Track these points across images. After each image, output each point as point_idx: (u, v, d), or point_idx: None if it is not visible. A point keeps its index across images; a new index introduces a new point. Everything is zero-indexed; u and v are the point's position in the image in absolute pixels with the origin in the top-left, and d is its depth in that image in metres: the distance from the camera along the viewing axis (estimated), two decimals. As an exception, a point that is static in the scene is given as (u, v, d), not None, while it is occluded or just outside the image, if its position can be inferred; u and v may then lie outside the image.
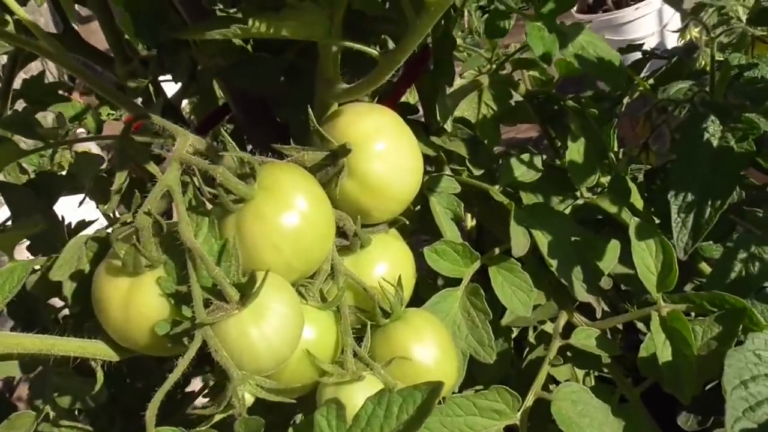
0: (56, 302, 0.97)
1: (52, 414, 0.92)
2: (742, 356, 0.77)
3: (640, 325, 1.12)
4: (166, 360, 1.05)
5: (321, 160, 0.75)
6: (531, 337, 1.08)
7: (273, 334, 0.63)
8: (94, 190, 0.91)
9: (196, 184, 0.69)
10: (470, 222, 1.30)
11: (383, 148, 0.76)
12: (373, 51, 0.70)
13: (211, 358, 0.66)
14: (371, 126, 0.76)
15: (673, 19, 3.92)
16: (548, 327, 1.06)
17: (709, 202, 0.93)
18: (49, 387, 0.92)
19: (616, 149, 1.42)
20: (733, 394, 0.74)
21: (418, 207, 1.03)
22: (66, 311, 0.98)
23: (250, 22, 0.64)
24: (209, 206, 0.71)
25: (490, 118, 1.25)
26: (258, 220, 0.67)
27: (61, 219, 0.95)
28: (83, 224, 1.07)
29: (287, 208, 0.68)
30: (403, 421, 0.52)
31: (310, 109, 0.74)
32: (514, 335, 1.09)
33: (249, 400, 0.63)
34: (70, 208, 1.07)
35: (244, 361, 0.63)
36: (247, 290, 0.62)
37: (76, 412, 1.03)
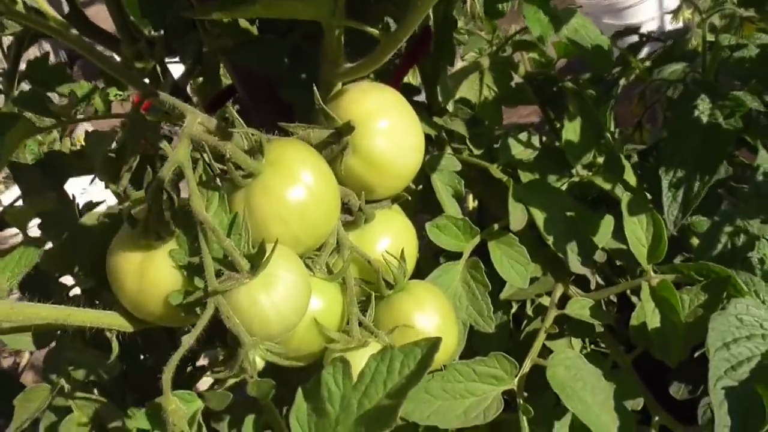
0: (67, 280, 1.01)
1: (66, 387, 0.95)
2: (725, 320, 0.80)
3: (636, 300, 1.16)
4: (173, 337, 1.09)
5: (326, 137, 0.77)
6: (528, 310, 1.11)
7: (282, 301, 0.66)
8: (103, 169, 0.93)
9: (206, 160, 0.71)
10: (472, 203, 1.33)
11: (386, 126, 0.79)
12: (375, 30, 0.73)
13: (220, 334, 0.69)
14: (374, 104, 0.79)
15: (673, 4, 3.93)
16: (545, 301, 1.09)
17: (698, 177, 0.96)
18: (64, 361, 0.95)
19: (612, 130, 1.45)
20: (716, 355, 0.78)
21: (420, 186, 1.06)
22: (76, 290, 1.01)
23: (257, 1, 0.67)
24: (219, 183, 0.74)
25: (492, 100, 1.28)
26: (266, 193, 0.71)
27: (72, 198, 0.98)
28: (91, 205, 1.10)
29: (294, 182, 0.71)
30: (405, 375, 0.56)
31: (315, 88, 0.77)
32: (513, 311, 1.13)
33: (259, 364, 0.67)
34: (76, 191, 1.10)
35: (255, 328, 0.66)
36: (256, 260, 0.66)
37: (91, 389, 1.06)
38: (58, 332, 0.96)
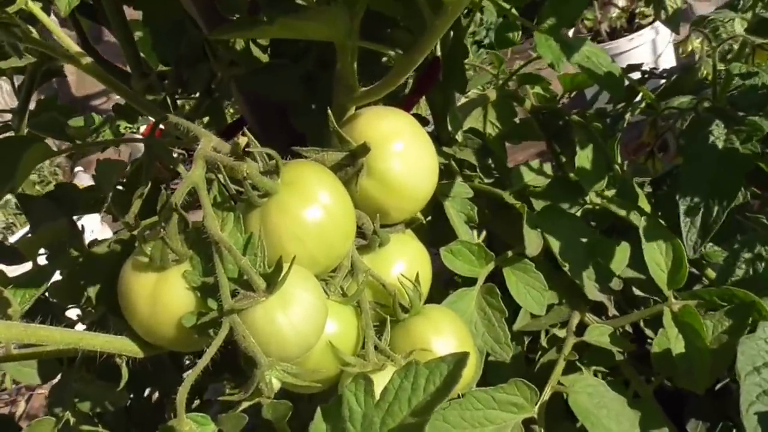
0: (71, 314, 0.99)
1: (72, 420, 0.93)
2: (754, 344, 0.79)
3: (650, 333, 1.14)
4: (179, 369, 1.07)
5: (341, 160, 0.77)
6: (543, 341, 1.09)
7: (300, 320, 0.65)
8: (114, 199, 0.93)
9: (221, 180, 0.70)
10: (477, 238, 1.32)
11: (401, 148, 0.78)
12: (391, 51, 0.72)
13: (229, 365, 0.67)
14: (389, 127, 0.79)
15: (667, 50, 3.97)
16: (560, 332, 1.07)
17: (717, 202, 0.95)
18: (69, 393, 0.93)
19: (620, 162, 1.45)
20: (747, 380, 0.76)
21: (430, 218, 1.05)
22: (80, 326, 0.99)
23: (274, 22, 0.67)
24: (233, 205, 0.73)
25: (496, 137, 1.28)
26: (282, 213, 0.69)
27: (81, 228, 0.97)
28: (96, 242, 1.09)
29: (311, 202, 0.70)
30: (430, 392, 0.54)
31: (329, 111, 0.76)
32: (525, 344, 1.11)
33: (276, 386, 0.65)
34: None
35: (272, 348, 0.65)
36: (273, 278, 0.64)
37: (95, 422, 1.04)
38: (63, 366, 0.94)
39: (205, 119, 1.40)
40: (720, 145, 0.98)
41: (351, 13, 0.71)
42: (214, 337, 0.65)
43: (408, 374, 0.55)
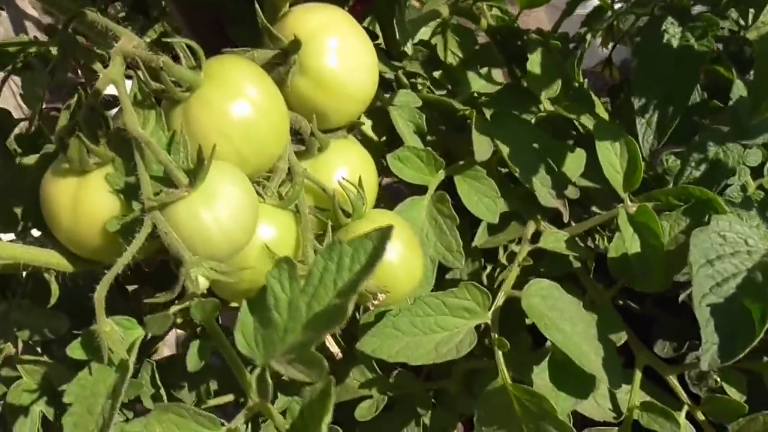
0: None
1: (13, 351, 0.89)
2: (707, 237, 0.77)
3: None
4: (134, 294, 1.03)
5: (272, 58, 0.72)
6: (502, 258, 1.06)
7: (225, 216, 0.61)
8: (44, 119, 0.88)
9: (141, 77, 0.66)
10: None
11: (335, 43, 0.73)
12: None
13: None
14: (322, 20, 0.74)
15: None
16: (518, 248, 1.04)
17: (673, 101, 0.92)
18: (9, 323, 0.89)
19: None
20: (700, 272, 0.74)
21: (384, 138, 1.02)
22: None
23: None
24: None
25: (457, 65, 1.24)
26: (205, 107, 0.65)
27: (14, 153, 0.92)
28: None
29: (236, 95, 0.66)
30: (356, 271, 0.51)
31: (257, 7, 0.72)
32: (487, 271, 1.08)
33: (204, 284, 0.61)
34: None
35: (197, 246, 0.61)
36: (196, 173, 0.60)
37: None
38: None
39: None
40: (675, 43, 0.95)
41: None
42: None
43: (332, 254, 0.52)
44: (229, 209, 0.61)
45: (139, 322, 0.94)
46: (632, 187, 0.89)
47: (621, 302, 1.07)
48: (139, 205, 0.63)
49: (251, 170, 0.69)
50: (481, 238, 0.99)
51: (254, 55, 0.73)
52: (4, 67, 1.01)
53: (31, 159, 0.82)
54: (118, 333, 0.59)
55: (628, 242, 0.85)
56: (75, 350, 0.60)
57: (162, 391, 0.88)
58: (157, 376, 0.88)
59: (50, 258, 0.70)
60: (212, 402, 0.93)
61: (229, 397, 0.93)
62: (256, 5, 0.72)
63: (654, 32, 0.96)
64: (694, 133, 0.98)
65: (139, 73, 0.66)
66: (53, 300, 0.75)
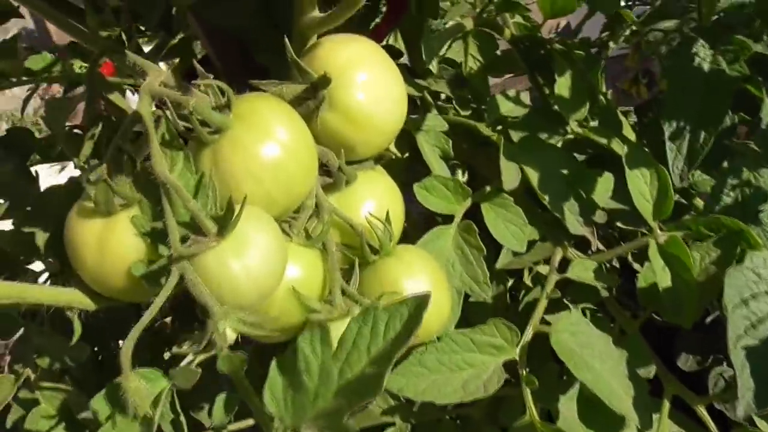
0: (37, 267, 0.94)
1: (33, 377, 0.89)
2: (742, 275, 0.75)
3: (639, 268, 1.10)
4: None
5: (301, 93, 0.72)
6: (526, 280, 1.05)
7: (255, 265, 0.60)
8: (65, 140, 0.87)
9: (169, 117, 0.65)
10: (461, 177, 1.27)
11: (365, 78, 0.72)
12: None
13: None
14: (351, 55, 0.73)
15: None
16: (544, 270, 1.03)
17: (703, 127, 0.90)
18: (30, 349, 0.89)
19: (604, 91, 1.40)
20: (734, 313, 0.73)
21: (407, 155, 1.00)
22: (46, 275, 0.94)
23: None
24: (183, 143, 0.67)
25: (478, 70, 1.22)
26: (235, 150, 0.64)
27: (35, 175, 0.91)
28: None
29: (266, 136, 0.65)
30: (390, 338, 0.49)
31: (287, 40, 0.70)
32: (509, 284, 1.07)
33: (231, 337, 0.60)
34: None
35: (225, 295, 0.60)
36: (225, 221, 0.59)
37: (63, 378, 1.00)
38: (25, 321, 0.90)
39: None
40: (706, 66, 0.93)
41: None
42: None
43: (366, 320, 0.51)
44: (259, 258, 0.60)
45: (159, 355, 0.94)
46: (663, 216, 0.88)
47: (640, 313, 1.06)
48: (166, 249, 0.62)
49: (280, 211, 0.68)
50: (504, 259, 0.98)
51: (283, 90, 0.71)
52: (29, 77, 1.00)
53: (52, 191, 0.81)
54: (143, 388, 0.58)
55: (658, 275, 0.83)
56: (99, 404, 0.59)
57: (182, 417, 0.87)
58: (177, 401, 0.88)
59: (73, 297, 0.69)
60: (232, 427, 0.92)
61: (249, 422, 0.92)
62: (286, 39, 0.70)
63: (684, 55, 0.94)
64: (724, 158, 0.96)
65: (167, 112, 0.65)
66: (76, 337, 0.74)
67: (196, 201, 0.62)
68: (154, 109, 0.66)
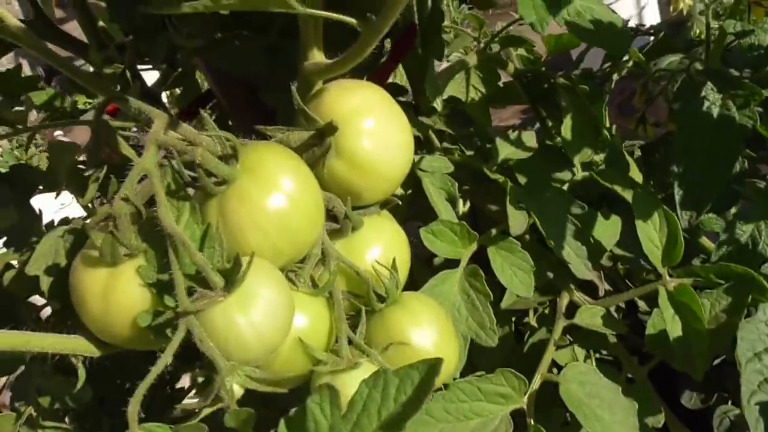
0: (38, 300, 0.94)
1: (34, 414, 0.88)
2: (755, 328, 0.74)
3: (642, 305, 1.10)
4: (152, 358, 1.02)
5: (307, 139, 0.71)
6: (532, 320, 1.04)
7: (261, 320, 0.59)
8: (70, 182, 0.87)
9: (176, 167, 0.64)
10: (462, 207, 1.27)
11: (371, 125, 0.71)
12: (353, 20, 0.66)
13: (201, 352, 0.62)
14: (358, 102, 0.72)
15: (650, 1, 3.89)
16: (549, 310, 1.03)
17: (713, 173, 0.90)
18: (32, 387, 0.88)
19: (608, 126, 1.40)
20: (747, 368, 0.72)
21: (410, 191, 0.99)
22: (49, 309, 0.94)
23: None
24: (191, 193, 0.67)
25: (479, 101, 1.22)
26: (242, 201, 0.64)
27: (38, 213, 0.91)
28: (66, 221, 1.03)
29: (273, 188, 0.64)
30: (401, 402, 0.49)
31: (293, 88, 0.70)
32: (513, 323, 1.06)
33: (238, 392, 0.60)
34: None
35: (232, 351, 0.59)
36: (232, 276, 0.59)
37: (64, 414, 1.00)
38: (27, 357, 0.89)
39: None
40: (715, 112, 0.92)
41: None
42: (172, 337, 0.60)
43: (377, 384, 0.50)
44: (265, 313, 0.60)
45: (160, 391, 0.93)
46: (672, 262, 0.87)
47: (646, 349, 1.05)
48: (172, 300, 0.61)
49: (286, 261, 0.67)
50: (510, 299, 0.97)
51: (289, 137, 0.71)
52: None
53: (54, 234, 0.80)
54: (151, 447, 0.57)
55: (669, 324, 0.82)
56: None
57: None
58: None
59: (77, 345, 0.68)
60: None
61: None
62: (292, 87, 0.70)
63: (693, 98, 0.94)
64: (733, 202, 0.96)
65: (174, 162, 0.64)
66: (80, 384, 0.73)
67: (203, 253, 0.61)
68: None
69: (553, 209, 0.92)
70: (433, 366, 0.49)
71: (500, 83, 1.25)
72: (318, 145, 0.70)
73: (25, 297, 0.94)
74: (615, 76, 1.39)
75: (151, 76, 1.11)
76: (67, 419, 1.01)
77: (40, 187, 0.98)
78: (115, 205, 0.63)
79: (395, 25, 0.99)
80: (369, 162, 0.72)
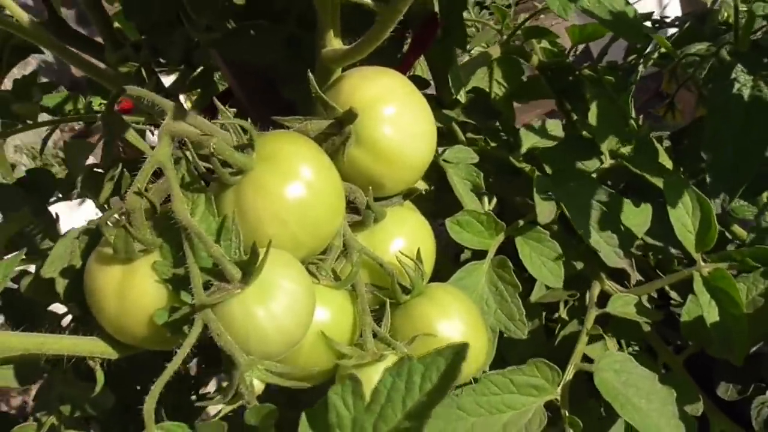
0: (58, 308, 0.92)
1: (56, 423, 0.86)
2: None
3: (675, 296, 1.07)
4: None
5: (326, 128, 0.69)
6: (562, 313, 1.01)
7: (282, 312, 0.57)
8: (86, 183, 0.85)
9: (190, 158, 0.63)
10: (488, 205, 1.25)
11: (392, 112, 0.69)
12: (370, 2, 0.64)
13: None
14: (378, 89, 0.70)
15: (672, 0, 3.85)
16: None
17: (745, 156, 0.87)
18: (54, 396, 0.86)
19: (634, 116, 1.37)
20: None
21: (433, 187, 0.97)
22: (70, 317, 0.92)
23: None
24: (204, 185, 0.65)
25: (503, 97, 1.20)
26: (259, 191, 0.62)
27: (55, 216, 0.89)
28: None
29: (291, 177, 0.62)
30: (426, 391, 0.46)
31: (311, 75, 0.68)
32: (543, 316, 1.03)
33: (259, 388, 0.58)
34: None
35: (252, 345, 0.57)
36: (249, 267, 0.56)
37: (88, 422, 0.98)
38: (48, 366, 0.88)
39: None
40: (746, 93, 0.89)
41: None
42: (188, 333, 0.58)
43: (401, 372, 0.48)
44: (285, 304, 0.58)
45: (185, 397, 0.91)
46: (706, 247, 0.84)
47: (679, 342, 1.02)
48: (188, 295, 0.59)
49: (306, 253, 0.65)
50: (539, 292, 0.95)
51: (307, 126, 0.69)
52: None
53: (69, 236, 0.79)
54: (169, 446, 0.55)
55: (705, 310, 0.79)
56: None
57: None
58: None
59: (94, 347, 0.66)
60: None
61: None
62: (309, 74, 0.68)
63: (723, 81, 0.91)
64: (765, 187, 0.93)
65: (188, 153, 0.63)
66: (99, 388, 0.72)
67: (219, 246, 0.59)
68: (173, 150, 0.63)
69: (581, 198, 0.89)
70: (459, 351, 0.46)
71: (523, 77, 1.23)
72: (337, 134, 0.68)
73: (45, 305, 0.93)
74: (640, 68, 1.36)
75: (167, 82, 1.09)
76: (93, 425, 0.99)
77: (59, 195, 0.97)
78: (128, 199, 0.61)
79: (417, 16, 0.98)
80: (391, 150, 0.69)
